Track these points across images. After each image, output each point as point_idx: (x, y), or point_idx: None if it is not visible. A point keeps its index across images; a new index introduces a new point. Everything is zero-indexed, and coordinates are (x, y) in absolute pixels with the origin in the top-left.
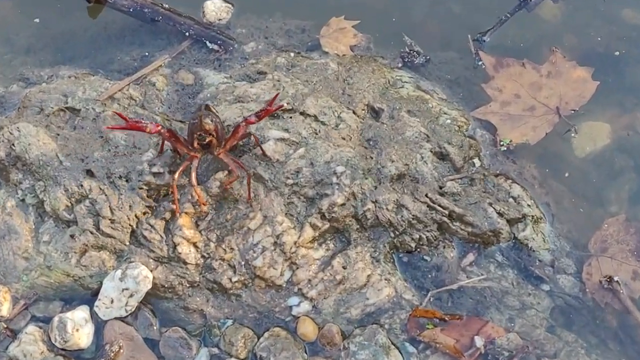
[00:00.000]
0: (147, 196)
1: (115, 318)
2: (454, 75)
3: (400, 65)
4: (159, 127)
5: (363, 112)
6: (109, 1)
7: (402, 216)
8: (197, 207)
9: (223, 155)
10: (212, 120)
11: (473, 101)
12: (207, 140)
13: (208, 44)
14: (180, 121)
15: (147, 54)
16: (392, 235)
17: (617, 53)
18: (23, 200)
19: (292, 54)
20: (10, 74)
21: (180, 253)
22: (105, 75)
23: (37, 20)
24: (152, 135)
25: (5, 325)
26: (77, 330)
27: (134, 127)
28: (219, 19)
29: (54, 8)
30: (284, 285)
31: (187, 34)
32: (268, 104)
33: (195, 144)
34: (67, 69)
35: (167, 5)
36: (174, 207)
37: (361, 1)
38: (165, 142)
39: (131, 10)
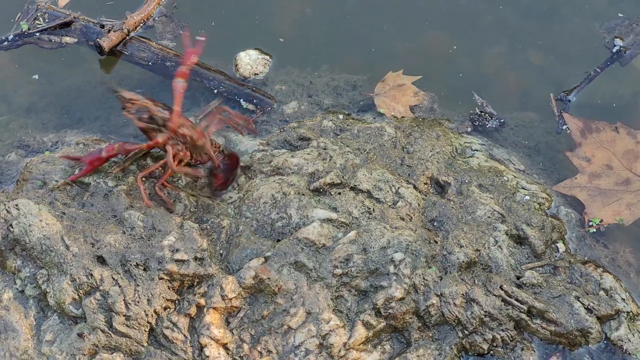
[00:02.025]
0: (169, 288)
1: None
2: (533, 141)
3: (469, 129)
4: (114, 148)
5: (426, 186)
6: (125, 53)
7: (472, 312)
8: (227, 301)
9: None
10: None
11: (556, 173)
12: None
13: (242, 102)
14: (208, 197)
15: None
16: (461, 335)
17: None
18: (22, 291)
19: (340, 116)
20: (8, 139)
21: (208, 356)
22: (118, 142)
23: (36, 77)
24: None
25: None
26: None
27: (92, 160)
28: (255, 74)
29: (58, 61)
30: None
31: (216, 91)
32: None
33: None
34: (74, 133)
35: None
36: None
37: (422, 51)
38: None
39: (150, 63)
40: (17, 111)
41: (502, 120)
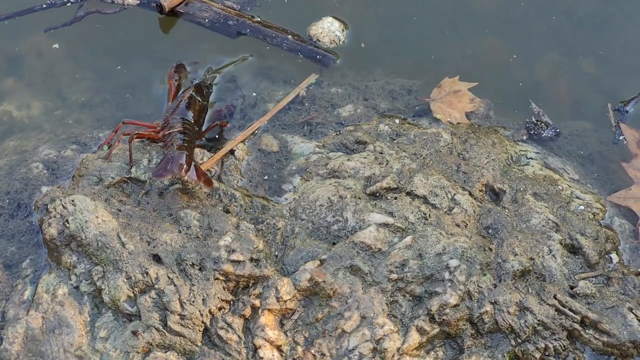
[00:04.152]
0: (224, 288)
1: None
2: (587, 150)
3: (525, 137)
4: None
5: (481, 193)
6: (187, 13)
7: (525, 321)
8: (282, 303)
9: None
10: None
11: (610, 183)
12: None
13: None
14: (263, 197)
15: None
16: (513, 343)
17: None
18: (77, 287)
19: (397, 121)
20: (63, 134)
21: (262, 357)
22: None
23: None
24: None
25: None
26: None
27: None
28: (318, 40)
29: (113, 57)
30: None
31: (283, 47)
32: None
33: None
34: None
35: (258, 18)
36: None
37: (478, 58)
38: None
39: (215, 23)
40: (71, 106)
41: (557, 130)
